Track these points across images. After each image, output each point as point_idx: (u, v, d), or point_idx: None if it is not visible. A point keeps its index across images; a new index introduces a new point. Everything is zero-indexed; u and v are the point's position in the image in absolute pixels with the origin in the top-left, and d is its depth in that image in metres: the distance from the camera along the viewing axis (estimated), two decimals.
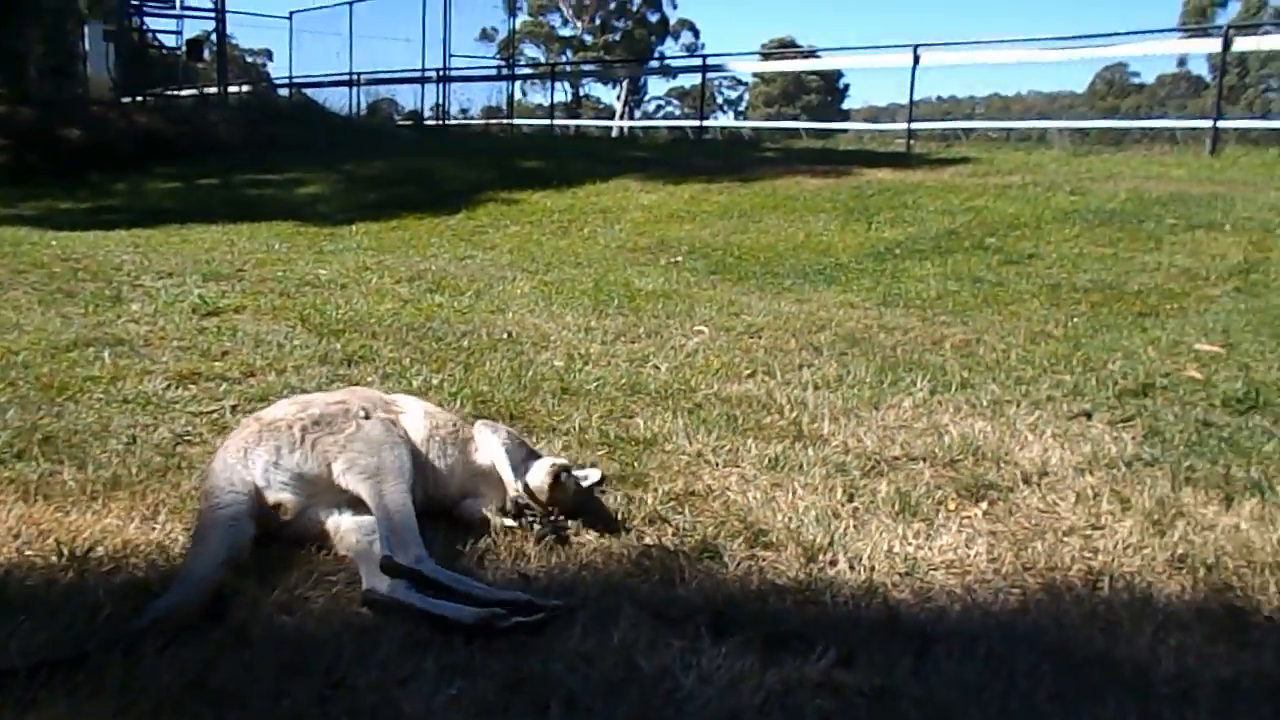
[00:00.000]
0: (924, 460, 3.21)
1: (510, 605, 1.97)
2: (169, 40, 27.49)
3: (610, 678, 1.84)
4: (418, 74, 25.40)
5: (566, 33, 63.61)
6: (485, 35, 27.22)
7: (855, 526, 2.64)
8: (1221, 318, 5.50)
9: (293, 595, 2.12)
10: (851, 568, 2.40)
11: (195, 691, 1.69)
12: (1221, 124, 14.41)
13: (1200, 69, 49.38)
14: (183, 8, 25.63)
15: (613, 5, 61.30)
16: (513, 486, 2.46)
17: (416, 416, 2.60)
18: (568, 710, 1.74)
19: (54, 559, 2.19)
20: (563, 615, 2.01)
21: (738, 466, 3.07)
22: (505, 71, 26.10)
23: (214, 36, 25.62)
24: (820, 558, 2.44)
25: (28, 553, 2.22)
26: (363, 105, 26.14)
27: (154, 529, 2.38)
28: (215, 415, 3.35)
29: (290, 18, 29.78)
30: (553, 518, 2.43)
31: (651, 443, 3.26)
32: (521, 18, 60.40)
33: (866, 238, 8.16)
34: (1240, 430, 3.49)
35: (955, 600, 2.28)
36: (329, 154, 15.61)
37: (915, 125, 17.70)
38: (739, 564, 2.40)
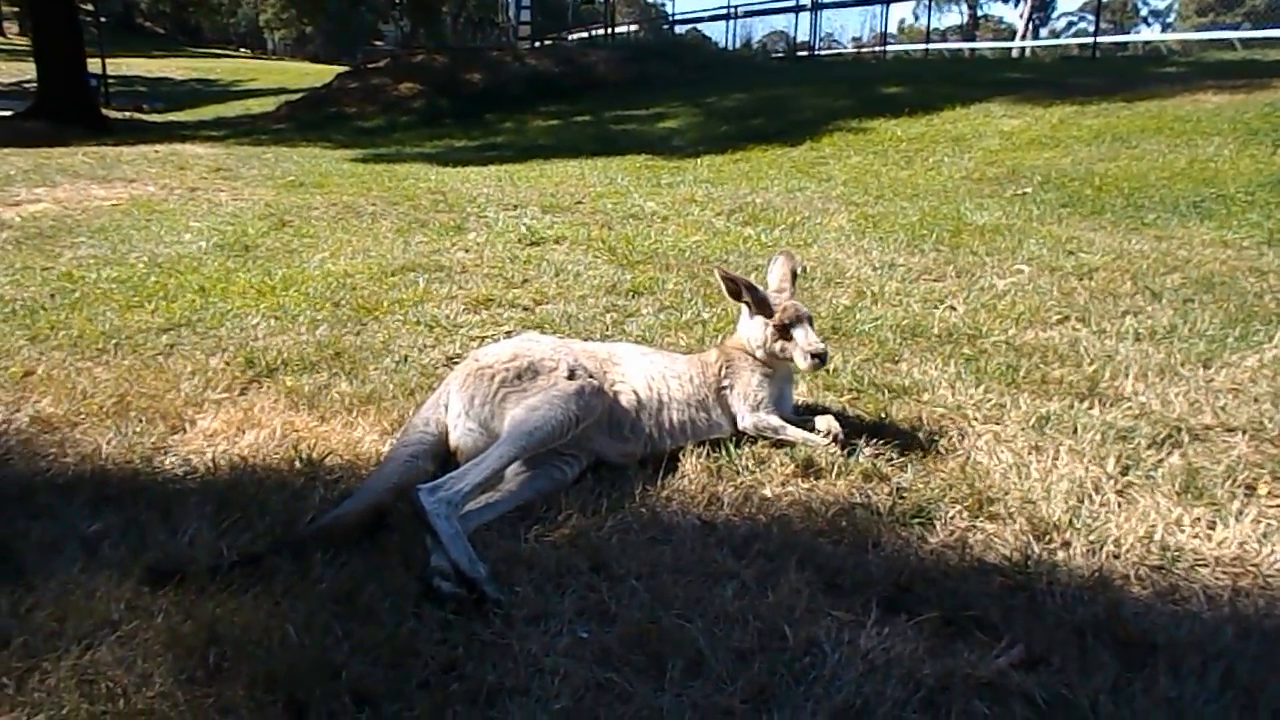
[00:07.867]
0: (1244, 432, 2.67)
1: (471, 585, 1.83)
2: None
3: (746, 643, 1.70)
4: (792, 4, 25.03)
5: None
6: None
7: (1116, 505, 2.25)
8: None
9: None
10: (1089, 553, 2.04)
11: (344, 604, 1.78)
12: None
13: None
14: None
15: None
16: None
17: (639, 375, 2.58)
18: (686, 673, 1.63)
19: (296, 464, 2.42)
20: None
21: (998, 424, 2.72)
22: None
23: None
24: (1052, 537, 2.10)
25: (275, 456, 2.48)
26: (738, 39, 26.34)
27: (388, 443, 2.53)
28: (490, 340, 3.52)
29: None
30: None
31: (907, 391, 2.98)
32: None
33: (1267, 163, 6.87)
34: None
35: (1213, 606, 1.87)
36: (696, 88, 15.90)
37: None
38: (950, 535, 2.12)
